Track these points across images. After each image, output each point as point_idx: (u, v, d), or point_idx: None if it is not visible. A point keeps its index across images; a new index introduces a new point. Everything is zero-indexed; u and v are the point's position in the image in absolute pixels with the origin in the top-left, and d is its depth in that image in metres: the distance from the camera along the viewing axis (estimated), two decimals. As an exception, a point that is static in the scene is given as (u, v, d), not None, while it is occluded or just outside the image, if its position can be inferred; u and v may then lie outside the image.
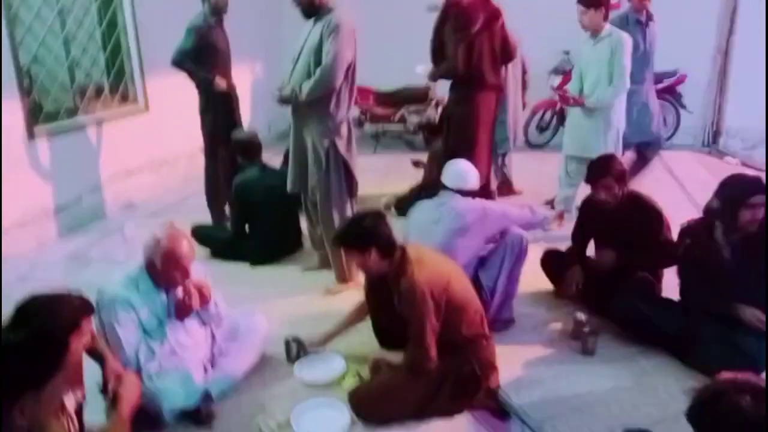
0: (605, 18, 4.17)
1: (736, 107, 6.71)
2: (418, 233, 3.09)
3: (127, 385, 2.08)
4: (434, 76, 4.19)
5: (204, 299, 2.56)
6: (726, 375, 1.46)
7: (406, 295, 2.33)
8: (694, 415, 1.43)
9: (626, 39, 4.12)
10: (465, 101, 4.00)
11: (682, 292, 2.96)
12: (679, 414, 1.47)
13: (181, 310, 2.52)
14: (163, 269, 2.43)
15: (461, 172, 3.24)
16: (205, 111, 4.62)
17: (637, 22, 4.43)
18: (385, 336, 2.74)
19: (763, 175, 5.88)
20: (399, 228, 4.14)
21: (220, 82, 4.48)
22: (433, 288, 2.33)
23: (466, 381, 2.44)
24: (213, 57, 4.51)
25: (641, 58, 4.44)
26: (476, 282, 3.02)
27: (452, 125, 4.13)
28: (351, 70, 3.44)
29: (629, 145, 4.61)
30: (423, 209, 3.23)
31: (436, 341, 2.37)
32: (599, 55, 4.15)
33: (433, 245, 2.93)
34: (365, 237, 2.43)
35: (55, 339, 1.68)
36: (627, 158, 4.53)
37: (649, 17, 4.50)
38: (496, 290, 3.09)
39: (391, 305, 2.42)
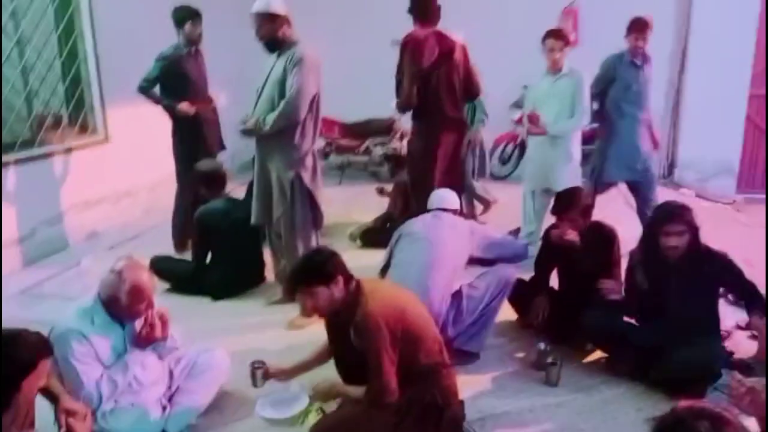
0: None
1: (689, 141, 6.95)
2: (409, 238, 3.21)
3: (79, 422, 2.00)
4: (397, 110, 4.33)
5: (165, 330, 2.51)
6: (685, 403, 1.49)
7: (362, 326, 2.30)
8: None
9: (585, 77, 4.27)
10: (422, 135, 4.07)
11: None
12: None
13: (143, 340, 2.46)
14: (128, 303, 2.37)
15: (441, 195, 3.52)
16: (173, 136, 4.68)
17: (632, 64, 4.49)
18: (348, 371, 2.70)
19: (716, 206, 6.10)
20: (364, 260, 4.15)
21: (184, 108, 4.50)
22: (388, 318, 2.31)
23: (429, 411, 2.41)
24: (182, 85, 4.57)
25: (633, 98, 4.51)
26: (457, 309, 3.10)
27: (412, 158, 4.20)
28: (315, 102, 3.46)
29: (611, 182, 4.68)
30: (417, 220, 3.37)
31: (396, 372, 2.35)
32: (560, 91, 4.25)
33: (423, 252, 3.07)
34: (329, 269, 2.39)
35: (7, 379, 1.62)
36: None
37: (645, 59, 4.55)
38: (471, 318, 3.10)
39: (351, 339, 2.40)
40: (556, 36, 4.23)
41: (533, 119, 4.27)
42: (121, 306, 2.38)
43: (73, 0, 5.07)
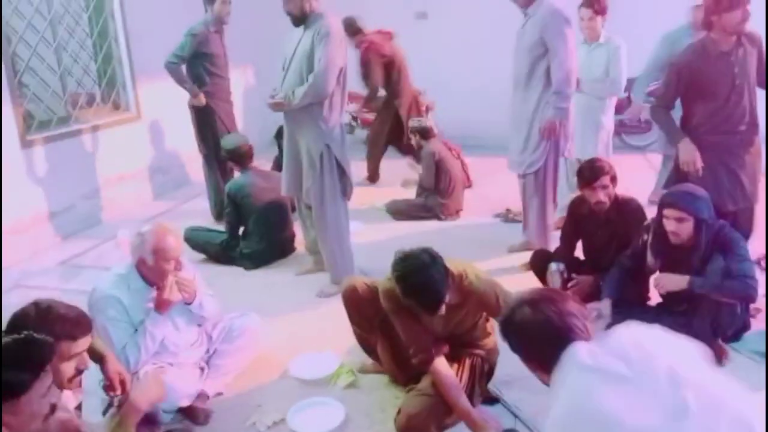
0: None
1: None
2: None
3: (143, 384, 2.14)
4: None
5: (188, 295, 2.53)
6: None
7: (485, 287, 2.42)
8: (501, 332, 1.63)
9: (623, 46, 4.22)
10: None
11: None
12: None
13: (160, 304, 2.47)
14: (153, 264, 2.43)
15: None
16: (194, 118, 4.80)
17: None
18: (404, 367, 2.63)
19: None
20: (392, 231, 4.19)
21: (198, 98, 4.64)
22: None
23: (481, 371, 2.55)
24: (209, 62, 4.65)
25: None
26: None
27: None
28: (342, 75, 3.49)
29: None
30: None
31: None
32: (595, 60, 4.24)
33: None
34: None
35: (37, 347, 1.56)
36: None
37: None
38: None
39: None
40: (587, 5, 4.20)
41: None
42: (148, 267, 2.45)
43: (103, -20, 5.17)
